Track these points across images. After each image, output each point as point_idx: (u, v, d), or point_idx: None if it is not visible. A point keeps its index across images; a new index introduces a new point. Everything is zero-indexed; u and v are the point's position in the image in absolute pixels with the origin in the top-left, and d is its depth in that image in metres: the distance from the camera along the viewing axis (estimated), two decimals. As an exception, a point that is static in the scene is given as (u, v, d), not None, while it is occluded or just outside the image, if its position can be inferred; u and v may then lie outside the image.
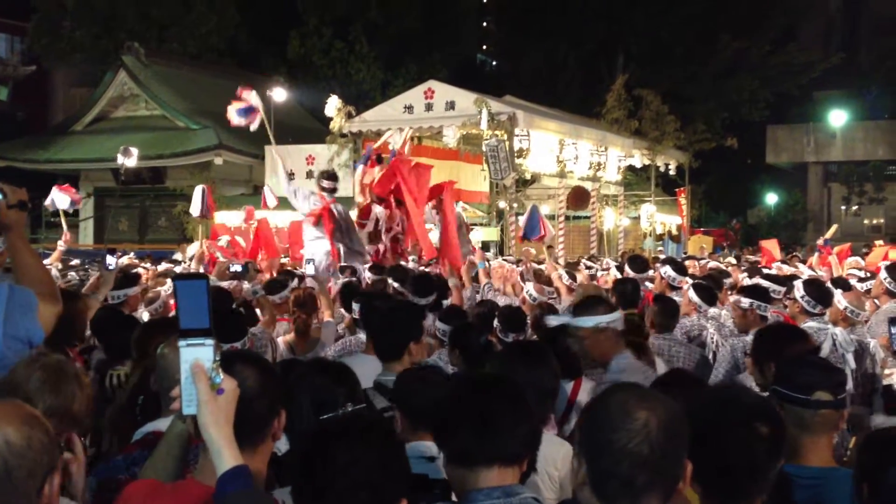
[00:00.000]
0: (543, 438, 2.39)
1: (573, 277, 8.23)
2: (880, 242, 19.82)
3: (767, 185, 39.55)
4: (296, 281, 7.12)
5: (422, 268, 9.61)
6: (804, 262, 12.57)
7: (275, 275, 8.07)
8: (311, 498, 1.82)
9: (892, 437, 2.39)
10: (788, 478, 2.37)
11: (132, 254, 12.89)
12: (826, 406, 2.55)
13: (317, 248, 9.77)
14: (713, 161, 27.77)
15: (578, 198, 19.52)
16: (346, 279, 7.75)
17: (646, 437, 1.71)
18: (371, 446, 1.85)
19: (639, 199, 24.21)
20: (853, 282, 7.36)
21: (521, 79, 32.68)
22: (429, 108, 15.86)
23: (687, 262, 9.39)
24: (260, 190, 15.75)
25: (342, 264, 9.09)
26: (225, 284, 6.87)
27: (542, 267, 9.71)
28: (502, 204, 17.75)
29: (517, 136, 15.36)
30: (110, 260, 5.30)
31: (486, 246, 17.61)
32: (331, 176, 10.43)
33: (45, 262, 7.95)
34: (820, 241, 13.17)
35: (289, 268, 9.37)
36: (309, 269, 7.28)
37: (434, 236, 11.53)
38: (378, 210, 10.52)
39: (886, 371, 4.56)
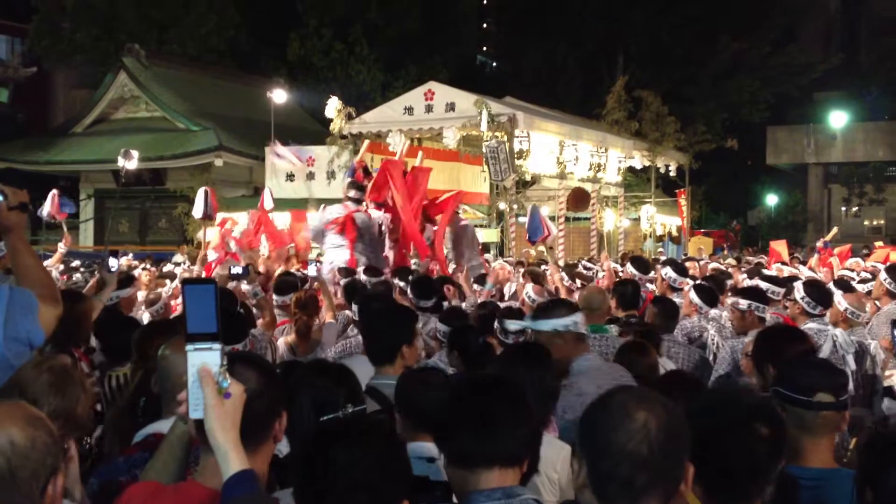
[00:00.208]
0: (543, 440, 2.38)
1: (573, 278, 8.22)
2: (880, 244, 19.80)
3: (767, 186, 39.52)
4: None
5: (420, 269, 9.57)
6: (804, 263, 12.58)
7: (285, 266, 7.98)
8: (312, 500, 1.82)
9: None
10: (796, 481, 2.36)
11: (130, 255, 12.88)
12: (828, 408, 2.55)
13: (337, 257, 9.76)
14: (713, 162, 27.79)
15: (578, 199, 19.48)
16: (347, 279, 7.73)
17: (645, 438, 1.70)
18: (372, 448, 1.85)
19: (639, 201, 24.19)
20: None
21: (521, 80, 32.69)
22: (429, 109, 15.87)
23: (687, 264, 9.38)
24: (260, 191, 15.76)
25: (340, 266, 9.05)
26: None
27: (545, 268, 9.70)
28: (502, 205, 17.75)
29: (517, 137, 15.34)
30: (113, 262, 5.33)
31: (486, 247, 17.60)
32: (359, 187, 10.47)
33: (46, 263, 7.96)
34: (819, 244, 13.18)
35: (295, 268, 9.38)
36: (311, 271, 7.28)
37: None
38: (377, 215, 10.48)
39: (887, 372, 4.57)
